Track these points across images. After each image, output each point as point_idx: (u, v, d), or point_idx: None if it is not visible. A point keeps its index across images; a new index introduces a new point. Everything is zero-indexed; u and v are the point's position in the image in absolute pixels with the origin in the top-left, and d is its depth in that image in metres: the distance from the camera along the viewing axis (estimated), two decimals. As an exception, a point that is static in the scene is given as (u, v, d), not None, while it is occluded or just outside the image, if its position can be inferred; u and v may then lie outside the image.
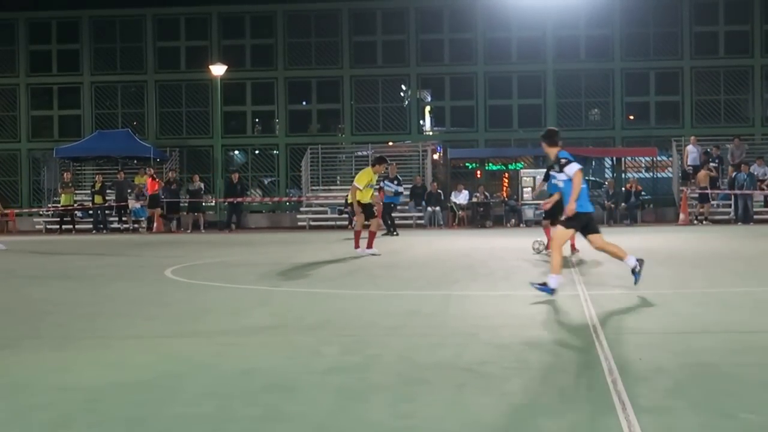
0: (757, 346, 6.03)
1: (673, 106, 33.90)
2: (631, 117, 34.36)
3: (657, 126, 33.83)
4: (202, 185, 30.31)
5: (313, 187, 32.33)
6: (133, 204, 29.62)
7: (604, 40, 33.63)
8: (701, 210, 27.50)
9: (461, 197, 28.72)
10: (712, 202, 28.36)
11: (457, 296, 9.09)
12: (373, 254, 14.65)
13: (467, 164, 34.62)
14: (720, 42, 33.46)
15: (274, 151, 35.30)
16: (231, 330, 7.10)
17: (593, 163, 33.59)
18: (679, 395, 4.59)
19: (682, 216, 27.46)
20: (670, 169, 32.69)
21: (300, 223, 30.08)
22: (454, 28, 34.23)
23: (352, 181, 15.79)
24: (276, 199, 34.06)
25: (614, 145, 33.52)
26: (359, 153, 32.78)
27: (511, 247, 16.87)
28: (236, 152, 36.57)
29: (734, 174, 27.96)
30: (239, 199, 29.50)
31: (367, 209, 15.32)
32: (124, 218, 29.56)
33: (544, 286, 8.52)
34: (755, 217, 27.24)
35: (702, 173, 28.06)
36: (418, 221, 28.79)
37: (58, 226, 29.99)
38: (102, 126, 34.56)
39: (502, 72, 33.78)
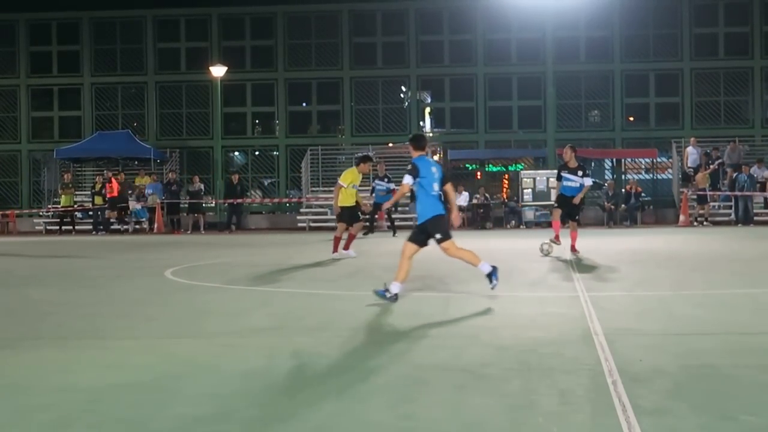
0: (758, 347, 6.03)
1: (673, 108, 33.91)
2: (631, 118, 34.37)
3: (657, 127, 33.84)
4: (202, 186, 30.33)
5: (313, 188, 32.34)
6: (133, 205, 29.64)
7: (604, 42, 33.65)
8: (701, 211, 27.51)
9: (461, 199, 28.70)
10: (713, 204, 28.37)
11: (457, 297, 9.08)
12: (349, 256, 14.53)
13: (467, 165, 34.64)
14: (720, 43, 33.48)
15: (274, 152, 35.31)
16: (231, 331, 7.09)
17: (593, 164, 33.60)
18: (679, 397, 4.58)
19: (682, 217, 27.46)
20: (670, 170, 32.70)
21: (300, 224, 30.08)
22: (454, 29, 34.26)
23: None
24: (276, 200, 34.07)
25: (614, 146, 33.55)
26: (359, 154, 32.75)
27: (511, 248, 16.87)
28: (236, 153, 36.58)
29: (735, 175, 27.98)
30: (239, 200, 29.51)
31: (352, 213, 14.96)
32: (125, 219, 29.60)
33: (385, 292, 8.43)
34: (755, 218, 27.26)
35: (700, 175, 28.07)
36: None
37: (58, 227, 30.00)
38: (102, 127, 34.58)
39: (502, 73, 33.80)
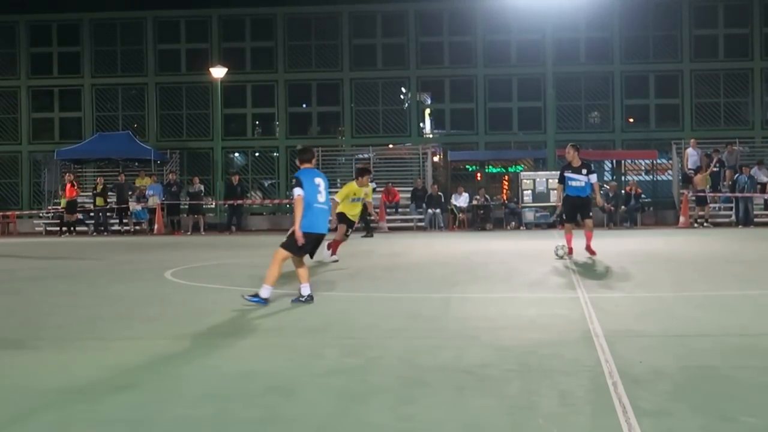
0: (758, 349, 6.03)
1: (672, 109, 33.90)
2: (631, 120, 34.36)
3: (657, 129, 33.83)
4: (202, 187, 30.32)
5: (313, 190, 32.26)
6: (134, 206, 29.64)
7: (604, 43, 33.65)
8: (700, 213, 27.50)
9: (461, 200, 28.72)
10: (713, 205, 28.36)
11: (458, 299, 9.09)
12: (333, 260, 14.49)
13: (467, 167, 34.64)
14: (720, 45, 33.48)
15: (274, 154, 35.31)
16: (231, 332, 7.10)
17: (592, 166, 33.60)
18: (679, 398, 4.59)
19: (682, 219, 27.45)
20: (670, 171, 32.69)
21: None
22: (454, 30, 34.26)
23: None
24: (276, 201, 34.06)
25: (614, 147, 33.53)
26: (359, 155, 32.80)
27: (512, 249, 16.88)
28: (236, 154, 36.57)
29: (735, 176, 27.98)
30: (239, 201, 29.52)
31: (349, 221, 14.81)
32: (125, 220, 29.61)
33: (255, 297, 8.49)
34: (756, 220, 27.25)
35: (698, 176, 28.05)
36: (419, 224, 28.80)
37: (58, 228, 29.99)
38: (102, 128, 34.56)
39: (501, 75, 33.80)
